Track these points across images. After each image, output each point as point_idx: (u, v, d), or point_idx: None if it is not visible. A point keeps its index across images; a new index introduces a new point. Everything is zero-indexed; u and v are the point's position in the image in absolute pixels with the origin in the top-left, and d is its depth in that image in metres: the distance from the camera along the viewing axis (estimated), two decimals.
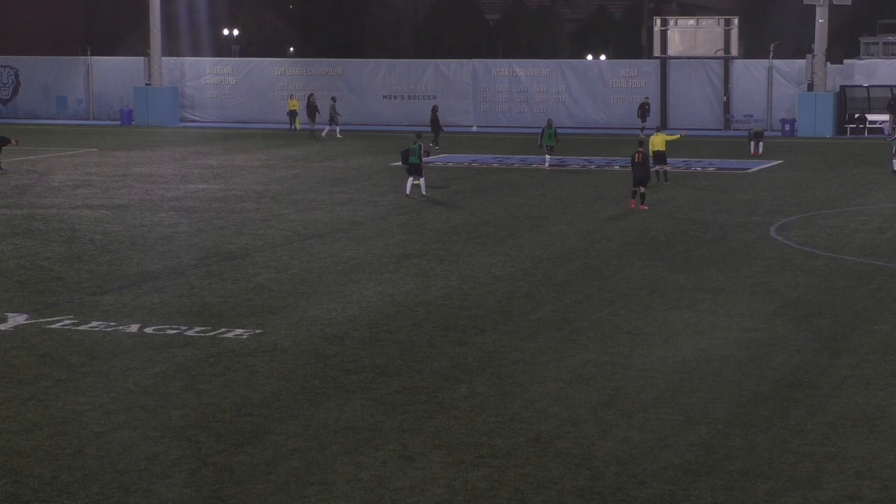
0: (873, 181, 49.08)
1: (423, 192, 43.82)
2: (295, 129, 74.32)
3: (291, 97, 77.07)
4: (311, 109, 71.84)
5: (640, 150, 41.44)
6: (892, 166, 51.07)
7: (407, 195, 43.56)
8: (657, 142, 47.88)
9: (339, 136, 70.09)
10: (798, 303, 26.31)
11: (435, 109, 66.60)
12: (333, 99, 72.00)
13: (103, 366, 21.13)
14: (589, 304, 26.12)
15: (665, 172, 47.90)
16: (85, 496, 15.13)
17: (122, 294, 27.09)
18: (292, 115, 75.19)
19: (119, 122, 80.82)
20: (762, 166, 54.90)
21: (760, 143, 60.01)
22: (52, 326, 24.02)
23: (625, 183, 48.30)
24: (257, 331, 23.62)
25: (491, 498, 15.15)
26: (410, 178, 44.02)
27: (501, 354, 21.91)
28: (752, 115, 71.53)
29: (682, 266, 30.54)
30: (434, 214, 39.62)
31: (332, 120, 70.60)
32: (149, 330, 23.72)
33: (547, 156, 54.29)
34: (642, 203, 40.59)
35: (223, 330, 23.71)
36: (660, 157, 47.76)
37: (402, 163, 45.14)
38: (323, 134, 70.43)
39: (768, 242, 34.23)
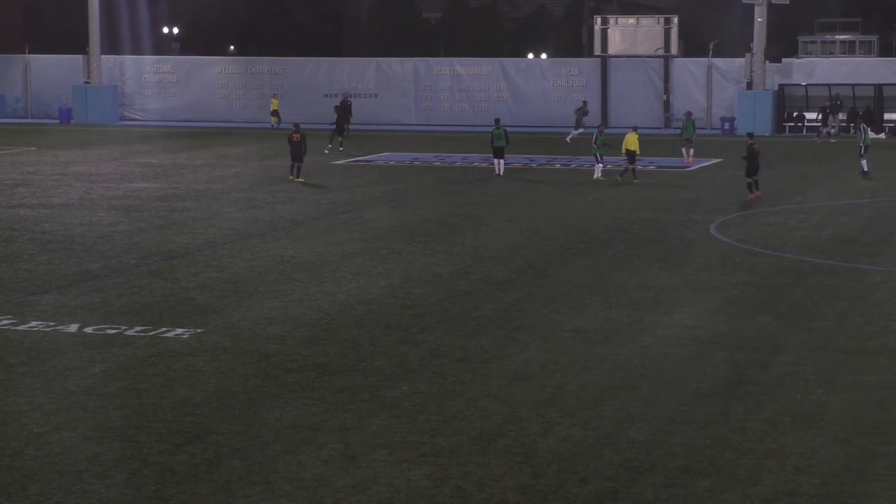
0: (812, 178, 49.50)
1: (500, 173, 49.73)
2: (274, 126, 73.41)
3: (274, 96, 76.42)
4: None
5: (752, 142, 44.18)
6: (860, 167, 50.66)
7: (499, 175, 49.56)
8: (630, 140, 48.21)
9: (569, 140, 66.71)
10: (738, 300, 26.48)
11: (346, 97, 66.14)
12: (584, 102, 71.10)
13: (42, 366, 20.96)
14: (530, 302, 26.18)
15: (633, 171, 47.99)
16: (24, 497, 15.01)
17: (61, 294, 26.89)
18: (275, 114, 74.43)
19: (58, 121, 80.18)
20: (702, 164, 55.19)
21: (691, 150, 56.57)
22: None
23: (567, 180, 48.53)
24: (198, 330, 23.51)
25: (433, 496, 15.16)
26: (496, 160, 50.12)
27: (443, 353, 21.91)
28: (691, 112, 71.70)
29: (624, 264, 30.66)
30: (376, 213, 39.59)
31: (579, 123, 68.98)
32: (88, 330, 23.55)
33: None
34: (756, 189, 43.31)
35: (164, 329, 23.58)
36: (631, 156, 48.08)
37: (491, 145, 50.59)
38: (567, 139, 67.21)
39: (708, 240, 34.43)
